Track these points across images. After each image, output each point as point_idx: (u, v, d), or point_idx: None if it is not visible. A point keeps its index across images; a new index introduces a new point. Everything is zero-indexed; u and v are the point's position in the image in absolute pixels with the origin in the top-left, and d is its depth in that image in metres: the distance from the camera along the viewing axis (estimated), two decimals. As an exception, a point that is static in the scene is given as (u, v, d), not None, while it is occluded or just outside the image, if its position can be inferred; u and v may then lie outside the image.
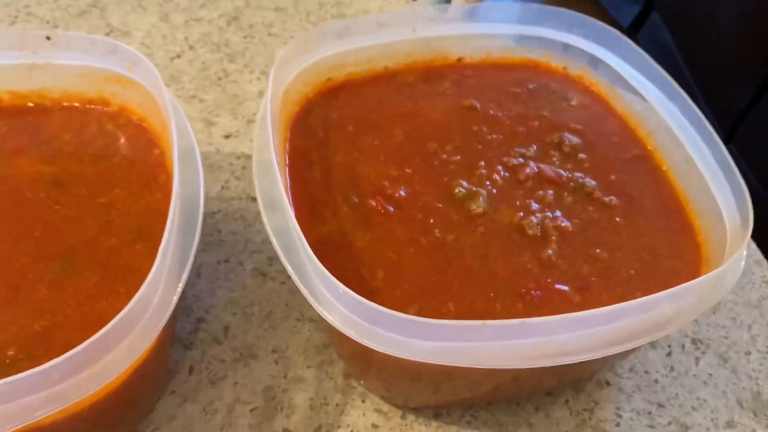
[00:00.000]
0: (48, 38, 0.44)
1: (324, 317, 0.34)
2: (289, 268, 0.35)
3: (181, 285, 0.35)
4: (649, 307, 0.34)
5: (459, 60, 0.52)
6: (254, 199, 0.54)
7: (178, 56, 0.66)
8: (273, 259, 0.51)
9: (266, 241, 0.52)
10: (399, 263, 0.39)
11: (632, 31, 2.16)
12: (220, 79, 0.64)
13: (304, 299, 0.48)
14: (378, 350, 0.33)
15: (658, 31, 2.16)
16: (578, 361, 0.32)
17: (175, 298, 0.35)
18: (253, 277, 0.50)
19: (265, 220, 0.38)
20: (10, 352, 0.35)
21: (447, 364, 0.32)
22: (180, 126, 0.40)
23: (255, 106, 0.62)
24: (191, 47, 0.67)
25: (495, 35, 0.52)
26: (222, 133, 0.59)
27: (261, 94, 0.63)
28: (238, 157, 0.57)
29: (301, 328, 0.47)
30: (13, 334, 0.36)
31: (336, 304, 0.34)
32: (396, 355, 0.32)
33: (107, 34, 0.68)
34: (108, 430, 0.39)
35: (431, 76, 0.51)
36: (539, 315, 0.37)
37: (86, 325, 0.36)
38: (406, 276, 0.39)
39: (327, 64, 0.48)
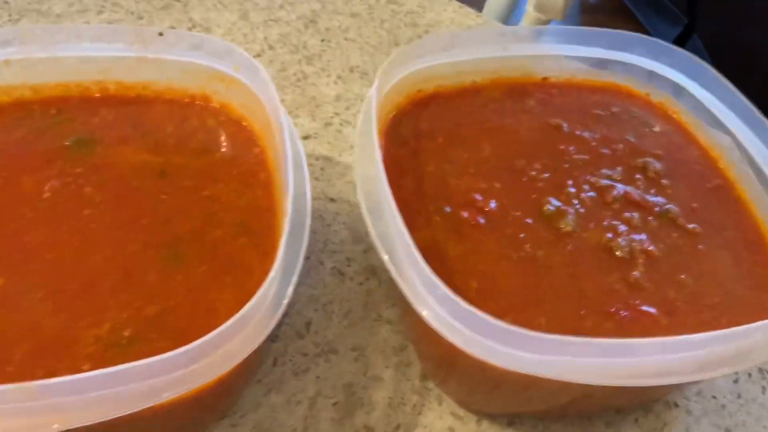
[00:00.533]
0: (160, 34, 0.46)
1: (430, 325, 0.35)
2: (394, 272, 0.37)
3: (292, 286, 0.36)
4: (743, 336, 0.35)
5: (544, 79, 0.53)
6: (333, 200, 0.56)
7: (259, 55, 0.67)
8: (351, 259, 0.52)
9: (344, 241, 0.54)
10: (491, 275, 0.41)
11: (671, 52, 2.16)
12: (299, 80, 0.66)
13: (382, 301, 0.50)
14: (482, 360, 0.34)
15: (698, 55, 2.16)
16: (675, 383, 0.34)
17: (286, 302, 0.36)
18: (332, 276, 0.51)
19: (369, 224, 0.39)
20: (126, 333, 0.37)
21: (550, 377, 0.33)
22: (290, 130, 0.42)
23: (332, 109, 0.64)
24: (271, 47, 0.69)
25: (581, 57, 0.53)
26: (301, 134, 0.61)
27: (338, 97, 0.65)
28: (317, 159, 0.59)
29: (379, 328, 0.49)
30: (128, 316, 0.37)
31: (440, 310, 0.35)
32: (502, 367, 0.34)
33: (190, 29, 0.70)
34: (205, 414, 0.41)
35: (517, 93, 0.52)
36: (628, 335, 0.39)
37: (196, 312, 0.38)
38: (499, 288, 0.40)
39: (419, 76, 0.50)
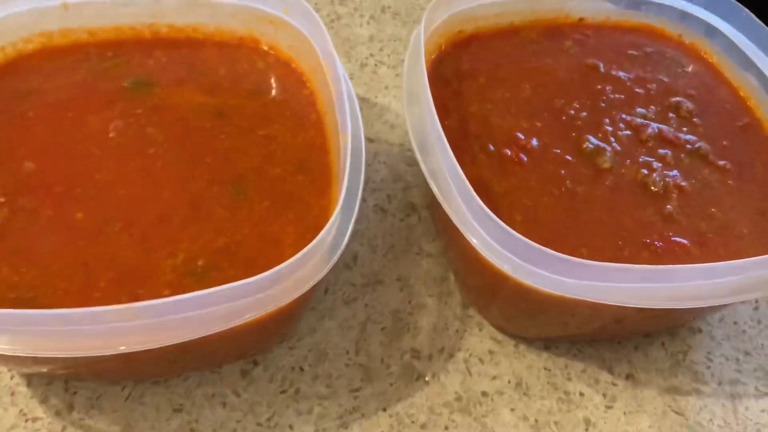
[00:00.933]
0: (212, -23, 0.48)
1: (481, 253, 0.38)
2: (445, 204, 0.40)
3: (353, 219, 0.39)
4: (772, 263, 0.38)
5: (580, 20, 0.54)
6: (371, 140, 0.58)
7: (292, -4, 0.68)
8: (392, 197, 0.55)
9: (384, 180, 0.56)
10: (534, 210, 0.43)
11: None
12: (332, 21, 0.67)
13: (422, 236, 0.53)
14: (528, 286, 0.37)
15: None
16: (709, 305, 0.37)
17: (348, 235, 0.38)
18: (374, 213, 0.54)
19: (420, 160, 0.42)
20: (200, 263, 0.40)
21: (594, 301, 0.37)
22: (343, 73, 0.43)
23: (366, 50, 0.65)
24: (303, -12, 0.70)
25: (616, -2, 0.54)
26: (338, 75, 0.62)
27: (371, 38, 0.66)
28: (355, 99, 0.61)
29: (420, 261, 0.52)
30: (200, 247, 0.40)
31: (489, 239, 0.38)
32: (549, 292, 0.37)
33: (222, -30, 0.70)
34: (269, 337, 0.44)
35: (554, 34, 0.54)
36: (663, 264, 0.41)
37: (262, 244, 0.41)
38: (542, 221, 0.43)
39: (460, 17, 0.51)
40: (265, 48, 0.50)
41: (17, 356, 0.34)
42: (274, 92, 0.49)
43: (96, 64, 0.49)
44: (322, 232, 0.36)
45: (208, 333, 0.34)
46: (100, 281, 0.39)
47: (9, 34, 0.48)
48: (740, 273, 0.38)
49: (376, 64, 0.64)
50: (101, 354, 0.34)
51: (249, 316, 0.35)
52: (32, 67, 0.48)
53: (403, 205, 0.55)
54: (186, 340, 0.34)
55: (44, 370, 0.41)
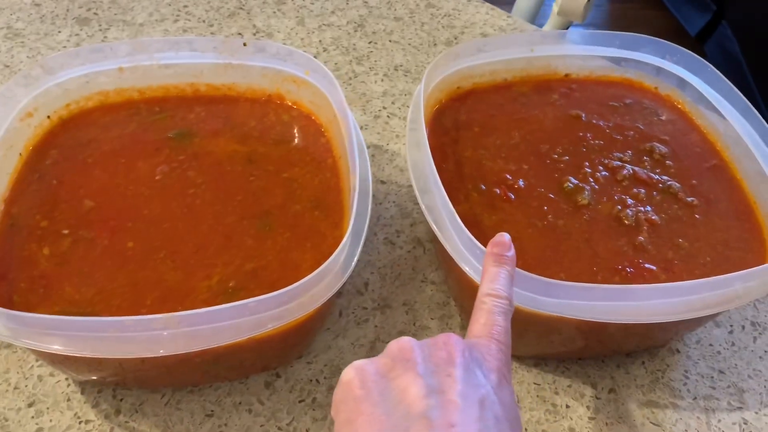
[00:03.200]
0: (244, 44, 0.56)
1: (468, 274, 0.44)
2: (439, 235, 0.46)
3: (360, 246, 0.46)
4: (724, 284, 0.43)
5: (566, 76, 0.62)
6: (383, 182, 0.66)
7: (315, 57, 0.77)
8: (400, 231, 0.62)
9: (394, 216, 0.63)
10: (520, 240, 0.50)
11: (700, 40, 2.20)
12: (350, 78, 0.75)
13: (427, 266, 0.59)
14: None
15: (727, 42, 2.19)
16: (665, 321, 0.42)
17: (355, 260, 0.45)
18: (384, 245, 0.61)
19: (419, 198, 0.49)
20: (231, 284, 0.47)
21: (564, 316, 0.42)
22: (354, 124, 0.51)
23: (380, 103, 0.73)
24: (325, 49, 0.78)
25: (598, 57, 0.61)
26: (354, 125, 0.70)
27: (385, 93, 0.74)
28: (368, 147, 0.68)
29: (425, 288, 0.58)
30: (232, 271, 0.48)
31: (479, 266, 0.44)
32: (529, 309, 0.43)
33: (254, 35, 0.80)
34: (288, 352, 0.51)
35: (542, 89, 0.61)
36: (632, 287, 0.47)
37: (284, 269, 0.48)
38: (526, 250, 0.49)
39: (458, 75, 0.59)
40: (290, 103, 0.58)
41: (80, 358, 0.41)
42: (296, 141, 0.56)
43: (145, 117, 0.57)
44: (332, 256, 0.43)
45: (237, 339, 0.41)
46: (147, 299, 0.46)
47: (73, 94, 0.56)
48: (693, 293, 0.43)
49: (388, 116, 0.72)
50: (151, 355, 0.41)
51: (271, 326, 0.41)
52: (91, 121, 0.57)
53: (410, 239, 0.62)
54: (218, 345, 0.41)
55: (98, 375, 0.48)
